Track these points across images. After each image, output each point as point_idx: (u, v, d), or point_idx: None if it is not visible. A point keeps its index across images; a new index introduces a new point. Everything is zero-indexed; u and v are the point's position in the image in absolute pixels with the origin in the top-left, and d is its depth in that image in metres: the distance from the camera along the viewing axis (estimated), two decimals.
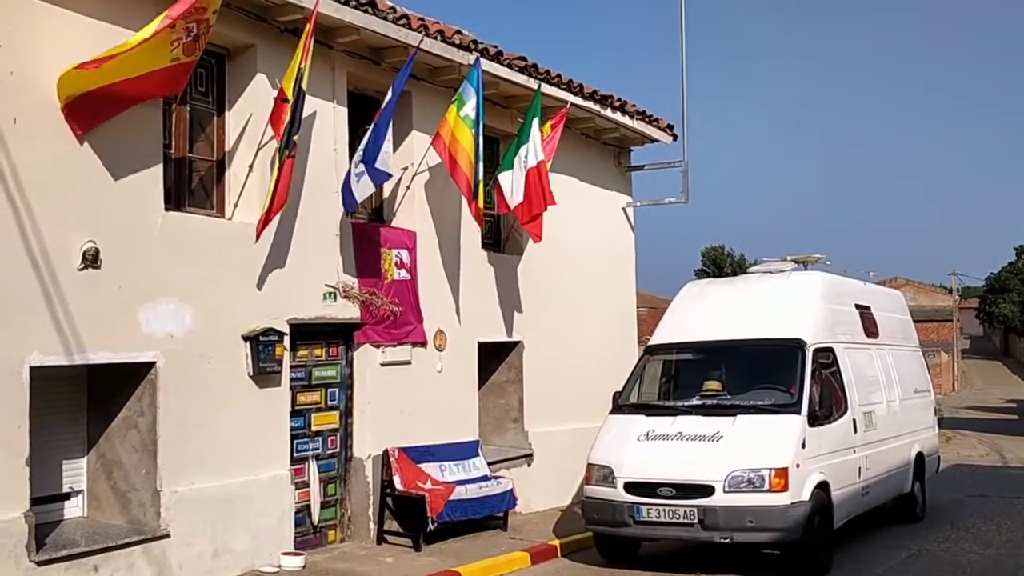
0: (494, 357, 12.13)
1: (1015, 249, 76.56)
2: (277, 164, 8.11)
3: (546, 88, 11.49)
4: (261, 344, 8.41)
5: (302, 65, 8.12)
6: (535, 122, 10.82)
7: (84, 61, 6.82)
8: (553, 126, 11.57)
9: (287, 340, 8.77)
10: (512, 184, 10.80)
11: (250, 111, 8.62)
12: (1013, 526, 11.48)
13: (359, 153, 9.01)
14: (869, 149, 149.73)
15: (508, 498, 10.61)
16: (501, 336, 11.87)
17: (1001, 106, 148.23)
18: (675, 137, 14.38)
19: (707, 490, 8.58)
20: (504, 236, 12.38)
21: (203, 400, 7.98)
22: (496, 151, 12.05)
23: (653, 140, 14.36)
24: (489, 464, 11.23)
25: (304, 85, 8.17)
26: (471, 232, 11.22)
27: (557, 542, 10.15)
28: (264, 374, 8.48)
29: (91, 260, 7.06)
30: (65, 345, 6.91)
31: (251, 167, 8.45)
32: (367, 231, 9.76)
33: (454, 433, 10.81)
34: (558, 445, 12.20)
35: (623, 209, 14.53)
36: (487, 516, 10.43)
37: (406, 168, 10.39)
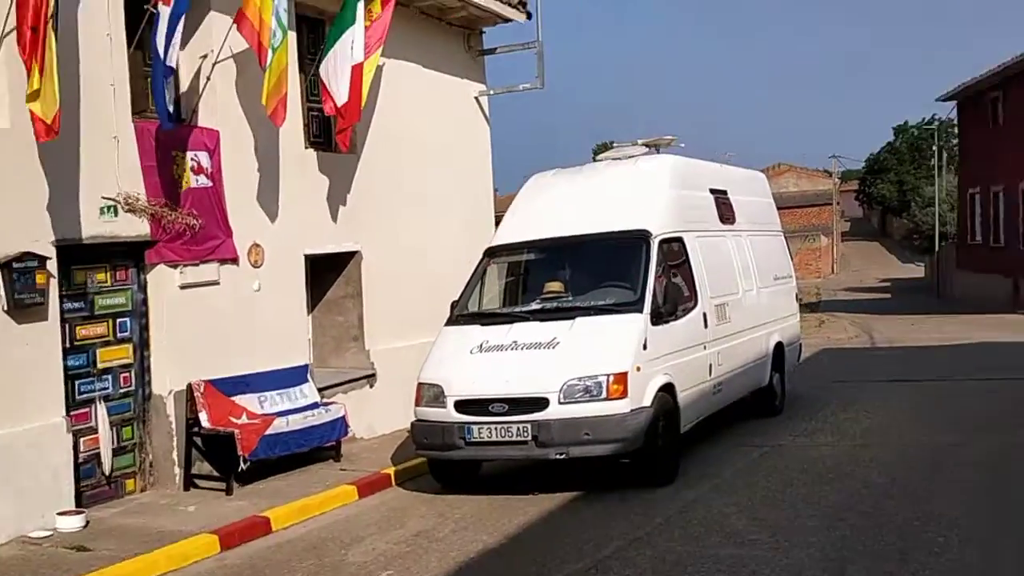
0: (329, 270, 11.07)
1: (893, 129, 78.40)
2: (42, 41, 6.68)
3: None
4: (16, 272, 7.15)
5: None
6: (360, 5, 9.58)
7: None
8: (383, 3, 10.31)
9: (52, 265, 7.52)
10: (336, 76, 9.59)
11: None
12: (871, 412, 11.25)
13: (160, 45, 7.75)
14: (745, 38, 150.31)
15: (339, 426, 9.68)
16: (334, 247, 10.79)
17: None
18: (529, 15, 13.24)
19: (541, 403, 7.87)
20: (335, 131, 11.17)
21: None
22: (321, 36, 10.71)
23: (506, 20, 13.18)
24: (324, 389, 10.27)
25: None
26: (292, 130, 9.98)
27: (391, 470, 9.29)
28: (23, 307, 7.25)
29: None
30: None
31: None
32: (154, 132, 8.44)
33: (279, 359, 9.75)
34: (405, 362, 11.16)
35: (476, 98, 13.42)
36: (316, 448, 9.53)
37: (204, 56, 9.03)
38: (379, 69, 10.62)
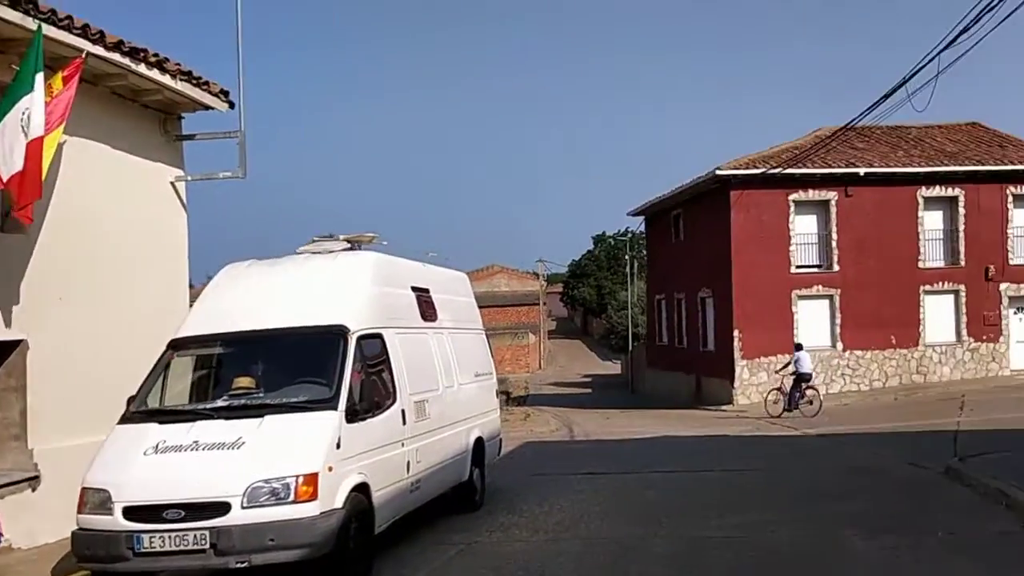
0: None
1: (593, 238, 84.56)
2: None
3: (55, 33, 9.44)
4: None
5: None
6: (39, 77, 8.80)
7: None
8: (65, 80, 9.55)
9: None
10: (6, 149, 8.68)
11: None
12: (565, 505, 11.55)
13: None
14: (461, 148, 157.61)
15: None
16: None
17: (570, 106, 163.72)
18: (231, 104, 12.86)
19: (222, 507, 7.30)
20: (3, 211, 10.07)
21: None
22: None
23: (207, 107, 12.73)
24: None
25: None
26: None
27: None
28: None
29: None
30: None
31: None
32: None
33: None
34: (78, 463, 10.04)
35: (172, 184, 12.73)
36: None
37: None
38: (60, 147, 9.81)
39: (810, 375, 25.02)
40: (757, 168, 29.07)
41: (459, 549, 9.33)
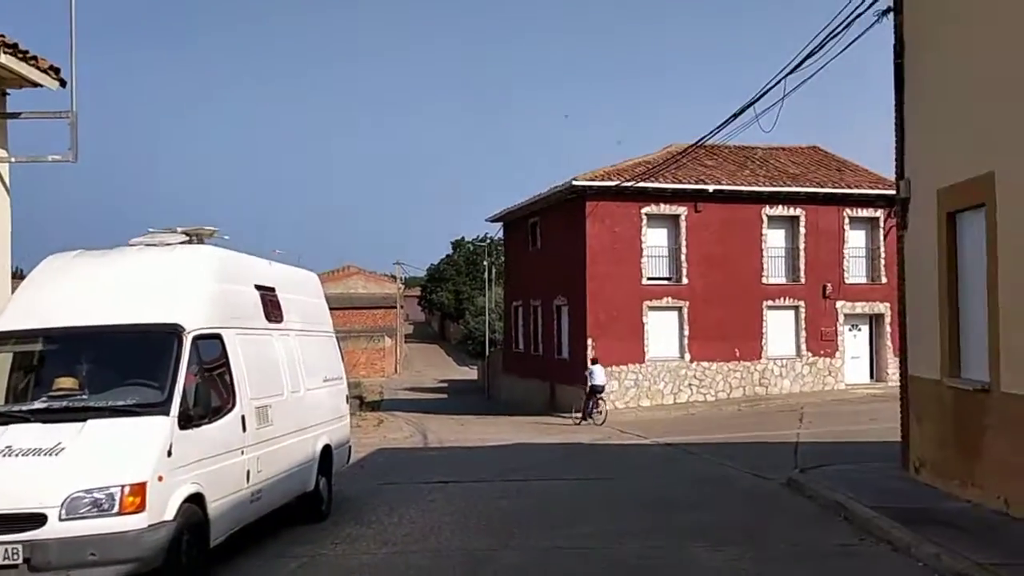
0: None
1: (452, 243, 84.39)
2: None
3: None
4: None
5: None
6: None
7: None
8: None
9: None
10: None
11: None
12: (415, 516, 11.24)
13: None
14: (317, 139, 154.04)
15: None
16: None
17: (442, 113, 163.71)
18: (63, 83, 11.95)
19: (37, 519, 6.69)
20: None
21: None
22: None
23: (35, 84, 11.78)
24: None
25: None
26: None
27: None
28: None
29: None
30: None
31: None
32: None
33: None
34: None
35: None
36: None
37: None
38: None
39: (602, 387, 27.41)
40: (612, 180, 29.58)
41: (301, 563, 8.88)
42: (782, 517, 10.58)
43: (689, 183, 30.25)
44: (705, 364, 30.50)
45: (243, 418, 8.59)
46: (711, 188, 30.34)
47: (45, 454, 6.96)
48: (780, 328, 31.31)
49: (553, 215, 33.00)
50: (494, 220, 40.26)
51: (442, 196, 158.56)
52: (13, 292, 12.16)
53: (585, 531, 10.03)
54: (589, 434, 23.03)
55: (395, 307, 71.00)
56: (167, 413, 7.42)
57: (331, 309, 12.91)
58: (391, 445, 21.38)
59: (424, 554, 9.16)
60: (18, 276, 13.60)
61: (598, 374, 27.30)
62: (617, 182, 29.41)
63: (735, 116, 18.53)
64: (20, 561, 6.63)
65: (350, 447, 12.86)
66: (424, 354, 75.83)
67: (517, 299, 38.34)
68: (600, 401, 27.10)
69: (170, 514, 7.15)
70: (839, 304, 31.77)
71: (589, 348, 29.34)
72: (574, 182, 29.62)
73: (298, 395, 10.32)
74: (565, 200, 31.12)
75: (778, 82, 15.01)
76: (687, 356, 30.39)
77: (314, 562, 8.91)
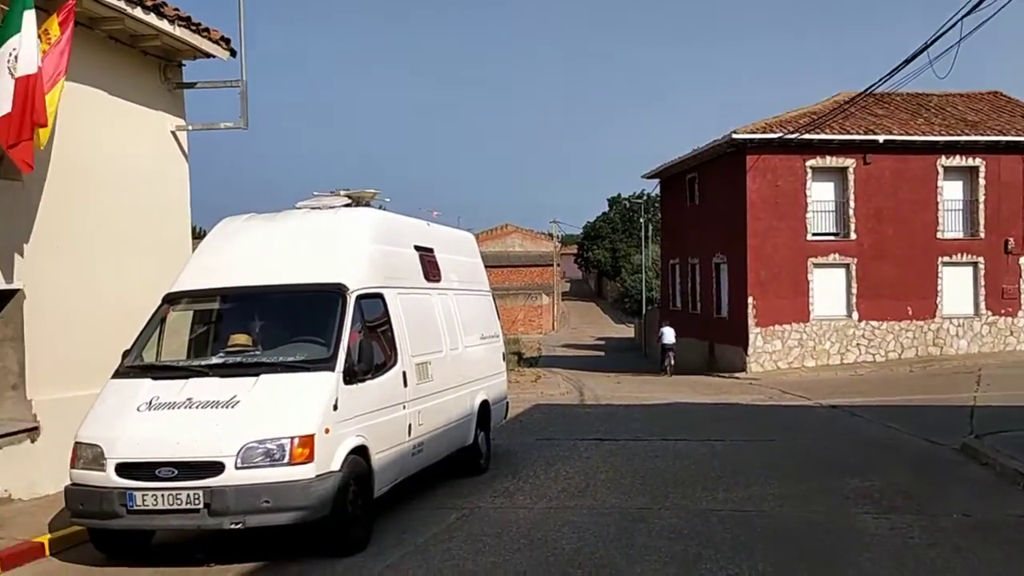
0: None
1: (608, 200, 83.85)
2: None
3: None
4: None
5: None
6: (29, 15, 8.47)
7: None
8: (61, 26, 9.24)
9: None
10: None
11: None
12: (571, 472, 11.33)
13: None
14: (472, 99, 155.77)
15: None
16: None
17: (600, 71, 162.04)
18: (233, 53, 12.54)
19: (216, 467, 7.11)
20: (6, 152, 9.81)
21: None
22: None
23: (207, 55, 12.41)
24: None
25: None
26: None
27: (46, 538, 8.14)
28: None
29: None
30: None
31: None
32: None
33: None
34: (78, 415, 9.96)
35: (173, 133, 12.46)
36: None
37: None
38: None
39: (671, 345, 32.84)
40: (774, 132, 28.50)
41: (461, 514, 9.13)
42: (955, 485, 10.05)
43: (857, 133, 28.79)
44: (875, 323, 29.18)
45: (404, 374, 8.86)
46: (881, 138, 28.76)
47: (222, 406, 7.39)
48: (957, 285, 29.51)
49: (712, 170, 32.18)
50: (650, 176, 39.64)
51: (598, 153, 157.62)
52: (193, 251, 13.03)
53: (744, 494, 9.85)
54: (749, 394, 22.53)
55: (552, 265, 71.37)
56: (332, 369, 7.73)
57: (489, 267, 13.11)
58: (548, 401, 21.58)
59: (580, 510, 9.24)
60: (198, 236, 14.50)
61: (668, 334, 33.03)
62: (779, 134, 28.33)
63: (907, 61, 17.49)
64: (201, 506, 7.09)
65: (507, 403, 13.07)
66: (581, 311, 76.07)
67: (674, 257, 37.75)
68: (669, 355, 32.68)
69: (336, 465, 7.47)
70: (1022, 260, 29.64)
71: (749, 306, 28.61)
72: (734, 135, 28.73)
73: (456, 352, 10.54)
74: (724, 154, 30.27)
75: (954, 24, 14.02)
76: (855, 315, 29.15)
77: (473, 514, 9.14)
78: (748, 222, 28.72)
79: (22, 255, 9.73)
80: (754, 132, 28.83)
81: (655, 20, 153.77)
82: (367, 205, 9.81)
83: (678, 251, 37.04)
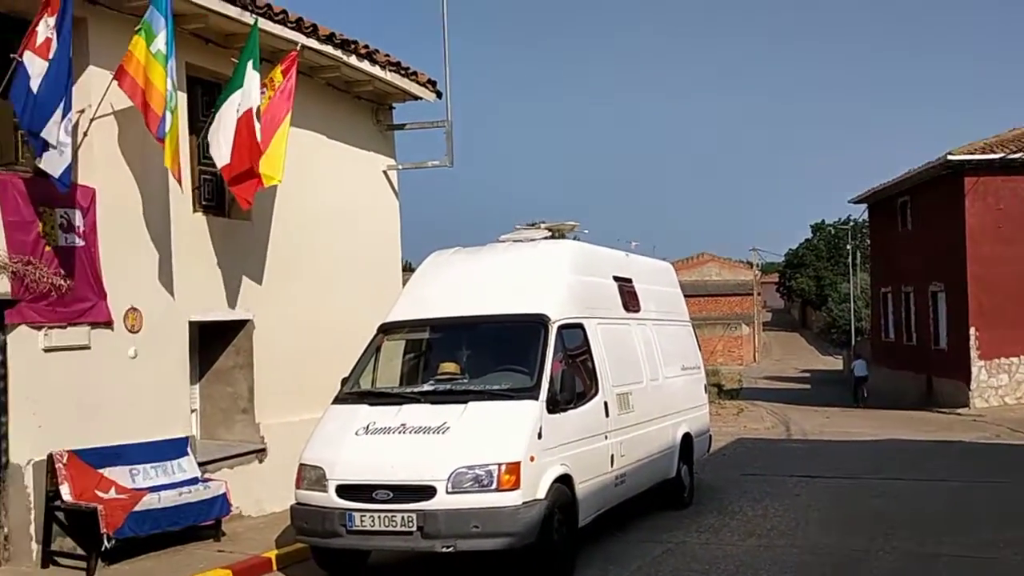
0: (218, 339, 10.49)
1: (811, 227, 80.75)
2: None
3: (271, 27, 9.94)
4: None
5: None
6: (250, 65, 9.21)
7: None
8: (284, 72, 9.98)
9: None
10: (220, 137, 9.17)
11: None
12: (780, 509, 10.91)
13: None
14: (665, 135, 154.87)
15: (219, 503, 9.06)
16: (223, 315, 10.22)
17: (796, 92, 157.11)
18: (439, 95, 13.11)
19: (428, 492, 7.34)
20: (229, 198, 10.68)
21: None
22: (215, 99, 10.29)
23: (416, 97, 13.05)
24: (208, 463, 9.71)
25: None
26: (180, 192, 9.48)
27: (274, 553, 8.69)
28: None
29: None
30: None
31: None
32: (19, 186, 7.86)
33: (158, 429, 9.13)
34: (299, 438, 10.51)
35: (384, 172, 13.15)
36: (192, 526, 8.83)
37: (82, 111, 8.51)
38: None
39: (865, 377, 34.00)
40: (995, 152, 26.53)
41: (666, 548, 8.98)
42: None
43: None
44: None
45: (605, 404, 8.86)
46: None
47: (433, 432, 7.63)
48: None
49: (926, 193, 30.31)
50: (858, 201, 37.83)
51: (799, 179, 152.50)
52: (403, 285, 13.63)
53: (973, 539, 9.13)
54: (972, 431, 20.92)
55: (751, 294, 69.38)
56: (536, 398, 7.83)
57: (686, 297, 12.93)
58: (752, 435, 20.91)
59: (791, 549, 8.87)
60: (407, 269, 15.18)
61: (859, 367, 34.62)
62: (1001, 154, 26.36)
63: None
64: (414, 529, 7.32)
65: (710, 436, 12.78)
66: (783, 342, 73.38)
67: (886, 285, 35.74)
68: (862, 387, 33.65)
69: (542, 493, 7.54)
70: None
71: (972, 338, 26.63)
72: (950, 156, 26.95)
73: (657, 383, 10.44)
74: (939, 177, 28.46)
75: None
76: None
77: (679, 549, 8.97)
78: (967, 248, 26.80)
79: (252, 288, 10.52)
80: (972, 152, 26.95)
81: (856, 41, 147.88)
82: (566, 237, 9.96)
83: (890, 279, 35.06)
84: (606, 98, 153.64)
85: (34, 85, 7.30)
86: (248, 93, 9.17)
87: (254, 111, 9.13)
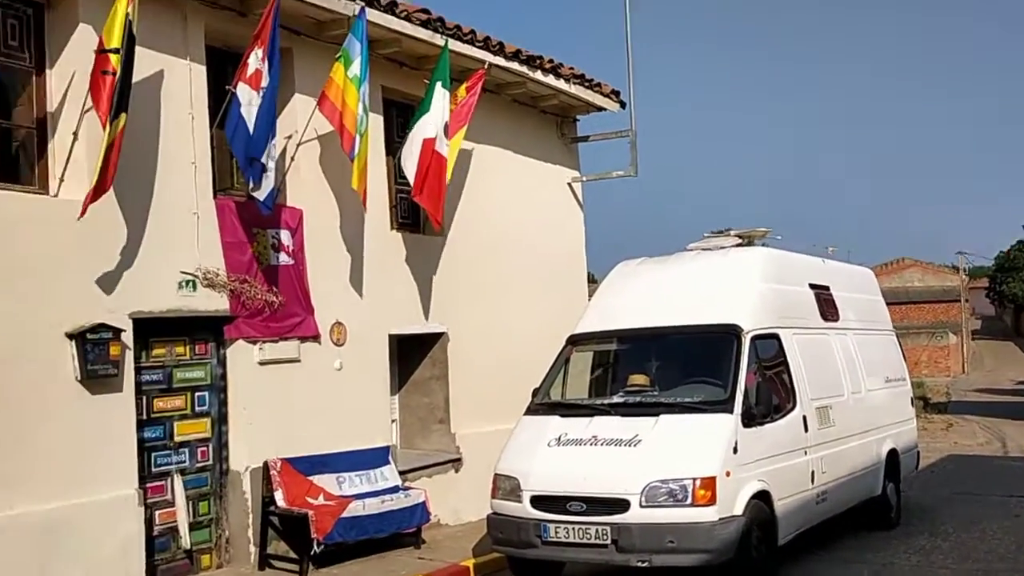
0: (415, 351, 10.89)
1: None
2: (107, 129, 6.81)
3: (460, 47, 10.24)
4: (89, 343, 7.13)
5: (129, 10, 6.85)
6: (438, 85, 9.53)
7: None
8: (468, 89, 10.27)
9: (128, 337, 7.49)
10: (410, 158, 9.52)
11: (73, 68, 7.31)
12: (998, 531, 10.13)
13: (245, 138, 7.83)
14: (865, 133, 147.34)
15: (420, 512, 9.36)
16: (419, 328, 10.59)
17: (1003, 90, 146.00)
18: (623, 105, 13.09)
19: (622, 505, 7.29)
20: (424, 215, 11.07)
21: (12, 411, 6.71)
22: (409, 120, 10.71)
23: (599, 108, 13.10)
24: (407, 472, 10.07)
25: (135, 31, 6.92)
26: (378, 210, 9.94)
27: (471, 562, 8.89)
28: (96, 378, 7.20)
29: None
30: None
31: (75, 134, 7.17)
32: (235, 209, 8.46)
33: (361, 439, 9.55)
34: (492, 448, 10.72)
35: (569, 184, 13.27)
36: (395, 533, 9.17)
37: (289, 137, 9.08)
38: (464, 153, 10.57)
39: None
40: None
41: (874, 569, 8.54)
42: None
43: None
44: None
45: (804, 418, 8.52)
46: None
47: (625, 445, 7.58)
48: None
49: None
50: None
51: (1008, 179, 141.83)
52: (589, 295, 13.66)
53: None
54: None
55: (958, 300, 64.94)
56: (730, 411, 7.64)
57: (886, 304, 12.26)
58: (964, 452, 19.50)
59: (1013, 575, 8.21)
60: (591, 281, 15.20)
61: None
62: None
63: None
64: (609, 542, 7.29)
65: (918, 452, 12.04)
66: (995, 351, 68.18)
67: None
68: None
69: (739, 509, 7.35)
70: None
71: None
72: None
73: (859, 396, 9.94)
74: None
75: None
76: None
77: (887, 571, 8.51)
78: None
79: (445, 301, 10.84)
80: None
81: None
82: (757, 244, 9.67)
83: None
84: (800, 102, 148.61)
85: (246, 113, 7.82)
86: (435, 114, 9.46)
87: (440, 130, 9.40)
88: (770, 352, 8.48)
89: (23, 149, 7.38)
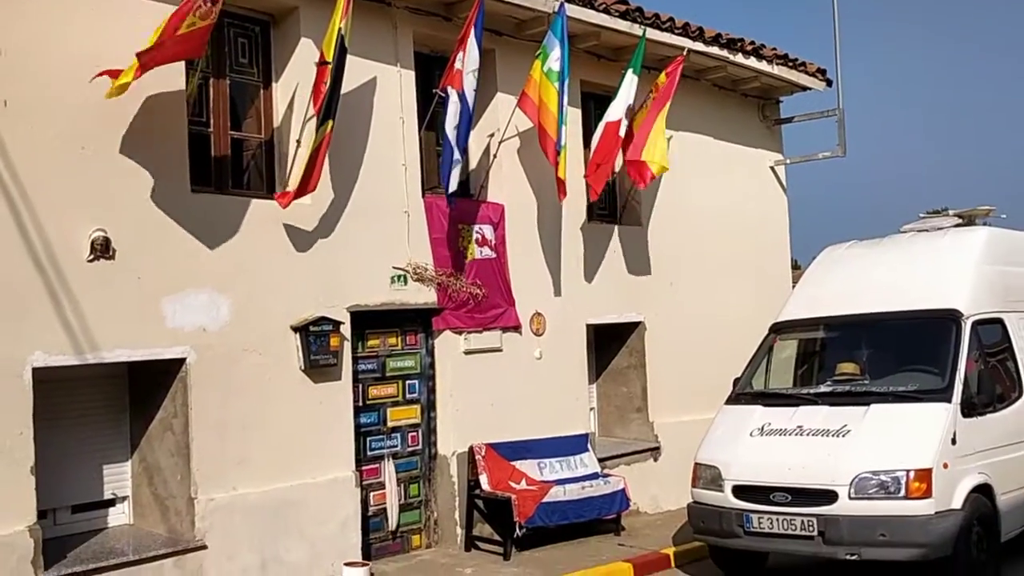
0: (613, 340, 11.00)
1: None
2: (314, 134, 7.36)
3: (658, 35, 10.23)
4: (312, 335, 7.70)
5: (342, 24, 7.34)
6: (629, 72, 9.56)
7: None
8: (668, 75, 10.23)
9: (346, 329, 8.03)
10: (594, 141, 9.62)
11: (296, 81, 7.91)
12: None
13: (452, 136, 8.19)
14: None
15: (619, 499, 9.48)
16: (616, 317, 10.69)
17: None
18: (829, 83, 12.62)
19: (829, 496, 7.10)
20: (620, 204, 11.14)
21: (246, 398, 7.36)
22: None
23: (803, 88, 12.68)
24: (606, 459, 10.22)
25: (347, 44, 7.41)
26: (576, 202, 10.10)
27: (671, 551, 8.93)
28: (318, 367, 7.77)
29: (101, 250, 6.54)
30: (75, 344, 6.42)
31: (299, 141, 7.76)
32: (441, 207, 8.86)
33: (560, 426, 9.78)
34: (690, 438, 10.64)
35: (771, 168, 12.96)
36: (595, 519, 9.34)
37: (492, 135, 9.41)
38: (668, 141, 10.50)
39: None
40: None
41: None
42: None
43: None
44: None
45: None
46: None
47: (832, 435, 7.36)
48: None
49: None
50: None
51: None
52: (793, 282, 13.28)
53: None
54: None
55: None
56: (948, 400, 7.27)
57: None
58: None
59: None
60: (795, 267, 14.75)
61: None
62: None
63: None
64: (815, 533, 7.11)
65: None
66: None
67: None
68: None
69: (957, 503, 6.98)
70: None
71: None
72: None
73: None
74: None
75: None
76: None
77: None
78: None
79: (642, 290, 10.88)
80: None
81: None
82: (980, 223, 9.09)
83: None
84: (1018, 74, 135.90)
85: (452, 114, 8.16)
86: (621, 99, 9.48)
87: (623, 114, 9.40)
88: (993, 338, 8.00)
89: (254, 159, 8.05)
